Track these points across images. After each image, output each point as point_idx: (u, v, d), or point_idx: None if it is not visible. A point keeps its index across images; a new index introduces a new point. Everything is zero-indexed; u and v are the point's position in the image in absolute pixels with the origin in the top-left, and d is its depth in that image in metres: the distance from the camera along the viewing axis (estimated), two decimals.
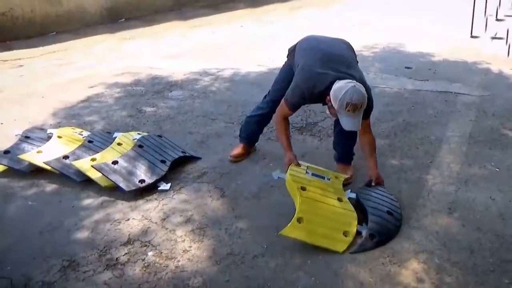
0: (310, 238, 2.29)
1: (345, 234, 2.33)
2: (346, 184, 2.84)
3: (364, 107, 2.46)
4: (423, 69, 5.32)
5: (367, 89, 2.55)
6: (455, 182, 2.90)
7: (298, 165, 2.75)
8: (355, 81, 2.47)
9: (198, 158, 3.26)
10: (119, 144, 3.14)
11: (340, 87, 2.43)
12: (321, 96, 2.58)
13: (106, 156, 3.00)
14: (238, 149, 3.26)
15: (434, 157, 3.23)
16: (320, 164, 3.10)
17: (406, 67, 5.39)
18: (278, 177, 2.68)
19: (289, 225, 2.31)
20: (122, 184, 2.76)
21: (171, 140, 3.36)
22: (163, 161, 3.04)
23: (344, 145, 3.02)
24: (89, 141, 3.21)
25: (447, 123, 3.79)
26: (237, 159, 3.21)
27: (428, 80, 4.91)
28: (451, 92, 4.52)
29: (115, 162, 2.89)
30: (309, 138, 3.56)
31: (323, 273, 2.14)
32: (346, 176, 2.83)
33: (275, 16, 9.13)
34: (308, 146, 3.43)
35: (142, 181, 2.83)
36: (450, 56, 5.81)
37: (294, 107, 2.73)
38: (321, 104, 2.72)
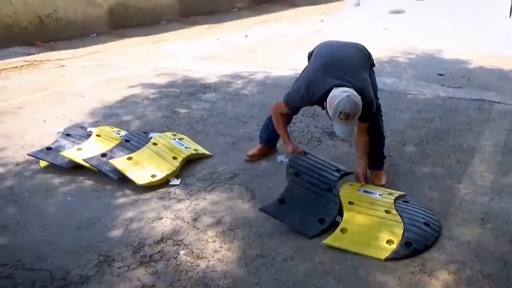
0: (352, 247, 2.34)
1: (389, 242, 2.35)
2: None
3: (358, 115, 2.52)
4: (457, 76, 5.24)
5: (366, 95, 2.60)
6: (488, 192, 2.85)
7: (302, 153, 2.91)
8: (351, 90, 2.52)
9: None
10: (154, 144, 3.25)
11: (335, 96, 2.50)
12: (319, 101, 2.69)
13: (142, 155, 3.11)
14: (254, 150, 3.33)
15: (466, 166, 3.19)
16: (351, 169, 3.11)
17: (438, 74, 5.32)
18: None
19: (332, 234, 2.39)
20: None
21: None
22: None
23: (375, 147, 2.99)
24: (126, 140, 3.33)
25: (480, 132, 3.73)
26: (252, 159, 3.29)
27: (461, 87, 4.84)
28: (486, 100, 4.43)
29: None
30: (339, 143, 3.57)
31: (352, 279, 2.15)
32: (401, 193, 2.75)
33: (308, 19, 9.15)
34: (339, 151, 3.44)
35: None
36: (485, 63, 5.70)
37: (293, 109, 2.91)
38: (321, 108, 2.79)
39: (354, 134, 2.70)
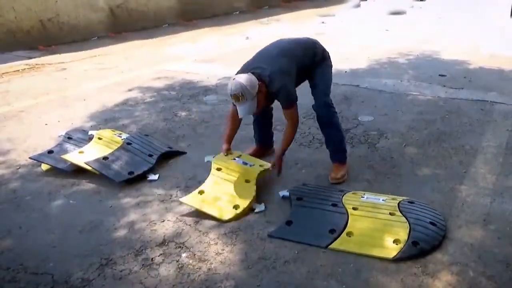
0: (359, 249, 2.33)
1: (396, 242, 2.34)
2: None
3: (247, 96, 2.68)
4: (458, 77, 5.23)
5: (274, 81, 2.74)
6: (490, 194, 2.84)
7: (230, 153, 3.06)
8: (242, 75, 2.73)
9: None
10: (218, 169, 2.93)
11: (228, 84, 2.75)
12: None
13: (213, 186, 2.83)
14: (250, 150, 3.38)
15: (468, 167, 3.18)
16: (352, 170, 3.12)
17: (440, 75, 5.31)
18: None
19: (338, 239, 2.39)
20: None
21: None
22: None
23: (332, 141, 3.09)
24: (128, 143, 3.33)
25: (482, 133, 3.72)
26: None
27: (463, 88, 4.83)
28: (487, 101, 4.43)
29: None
30: None
31: (354, 282, 2.15)
32: (405, 198, 2.74)
33: (308, 21, 9.16)
34: None
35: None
36: (486, 64, 5.69)
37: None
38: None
39: (253, 112, 2.83)
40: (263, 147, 3.40)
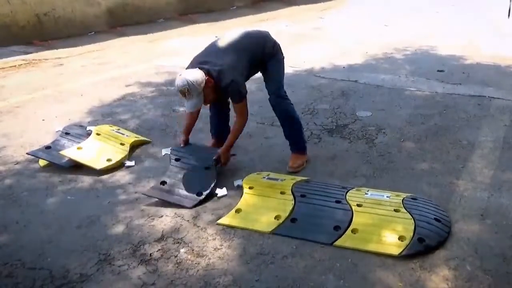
0: (364, 245, 2.33)
1: (401, 238, 2.34)
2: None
3: (193, 91, 2.72)
4: (456, 72, 5.24)
5: (222, 77, 2.77)
6: (487, 188, 2.85)
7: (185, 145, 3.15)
8: (185, 70, 2.80)
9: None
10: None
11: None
12: None
13: None
14: (208, 143, 3.45)
15: (466, 162, 3.19)
16: (349, 166, 3.12)
17: (438, 70, 5.32)
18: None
19: (343, 236, 2.38)
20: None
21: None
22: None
23: (290, 132, 3.18)
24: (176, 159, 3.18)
25: (480, 128, 3.73)
26: None
27: (460, 83, 4.84)
28: (485, 96, 4.43)
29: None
30: (339, 140, 3.57)
31: (352, 276, 2.15)
32: (409, 194, 2.72)
33: (307, 16, 9.14)
34: (338, 148, 3.44)
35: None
36: (484, 59, 5.69)
37: None
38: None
39: (199, 106, 2.93)
40: (219, 141, 3.39)
